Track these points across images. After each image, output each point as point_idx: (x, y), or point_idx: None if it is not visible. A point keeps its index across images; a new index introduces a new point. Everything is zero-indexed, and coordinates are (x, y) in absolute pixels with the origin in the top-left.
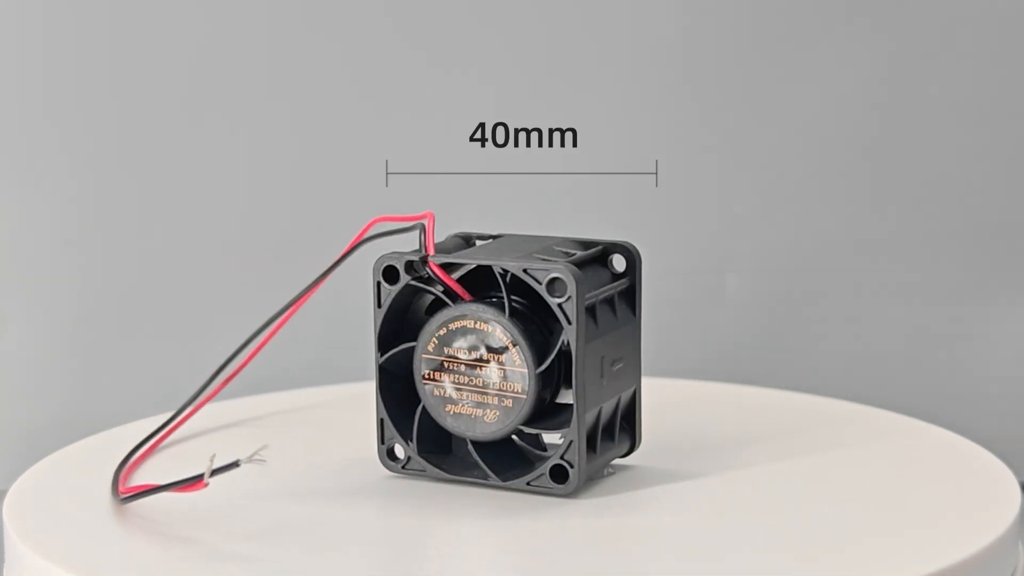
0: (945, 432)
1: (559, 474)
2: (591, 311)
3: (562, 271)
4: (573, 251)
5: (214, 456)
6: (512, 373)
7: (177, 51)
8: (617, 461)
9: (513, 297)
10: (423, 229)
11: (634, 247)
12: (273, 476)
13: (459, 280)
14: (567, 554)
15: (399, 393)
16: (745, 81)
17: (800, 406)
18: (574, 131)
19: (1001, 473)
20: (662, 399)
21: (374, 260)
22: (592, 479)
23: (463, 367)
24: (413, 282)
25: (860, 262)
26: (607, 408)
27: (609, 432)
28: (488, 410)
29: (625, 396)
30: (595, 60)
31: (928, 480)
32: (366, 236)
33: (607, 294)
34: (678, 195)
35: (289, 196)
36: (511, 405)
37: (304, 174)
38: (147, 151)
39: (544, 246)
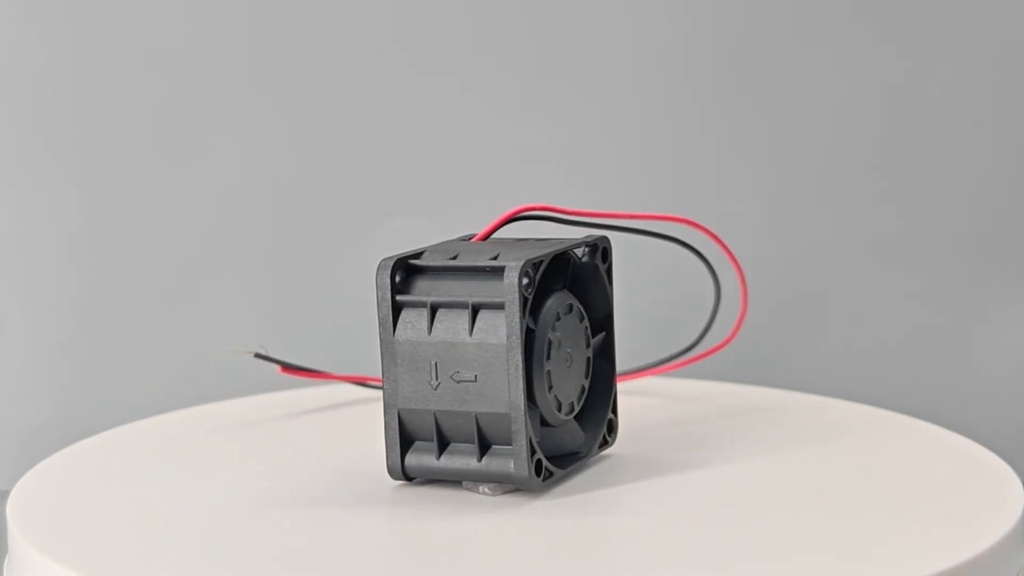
0: (946, 432)
1: None
2: (433, 311)
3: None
4: (485, 258)
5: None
6: None
7: (180, 53)
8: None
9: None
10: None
11: (516, 268)
12: (272, 479)
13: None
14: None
15: None
16: (747, 81)
17: (800, 406)
18: (573, 130)
19: (1004, 473)
20: (662, 398)
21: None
22: (466, 488)
23: None
24: None
25: (860, 262)
26: (452, 419)
27: (468, 448)
28: None
29: (491, 419)
30: (595, 59)
31: (930, 480)
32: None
33: (462, 303)
34: (678, 194)
35: (290, 196)
36: None
37: (305, 174)
38: (148, 151)
39: (514, 248)
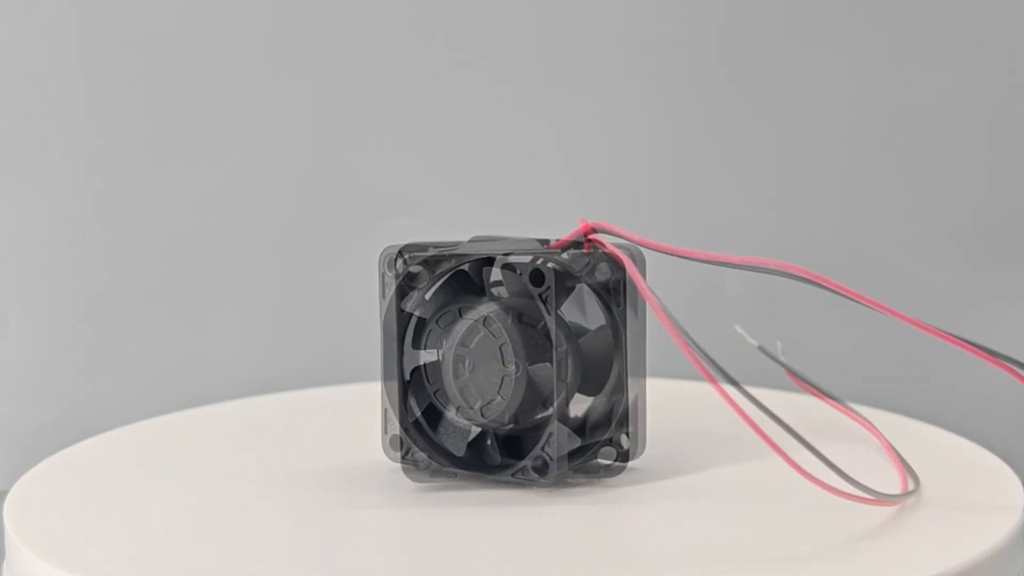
0: (946, 433)
1: None
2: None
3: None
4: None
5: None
6: None
7: (179, 52)
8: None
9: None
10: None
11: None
12: (272, 480)
13: None
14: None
15: None
16: (745, 81)
17: (800, 406)
18: (572, 130)
19: (1004, 474)
20: (662, 399)
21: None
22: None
23: None
24: None
25: (860, 262)
26: None
27: None
28: None
29: None
30: (594, 58)
31: (930, 481)
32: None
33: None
34: (678, 194)
35: (289, 195)
36: None
37: (304, 173)
38: (147, 151)
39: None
